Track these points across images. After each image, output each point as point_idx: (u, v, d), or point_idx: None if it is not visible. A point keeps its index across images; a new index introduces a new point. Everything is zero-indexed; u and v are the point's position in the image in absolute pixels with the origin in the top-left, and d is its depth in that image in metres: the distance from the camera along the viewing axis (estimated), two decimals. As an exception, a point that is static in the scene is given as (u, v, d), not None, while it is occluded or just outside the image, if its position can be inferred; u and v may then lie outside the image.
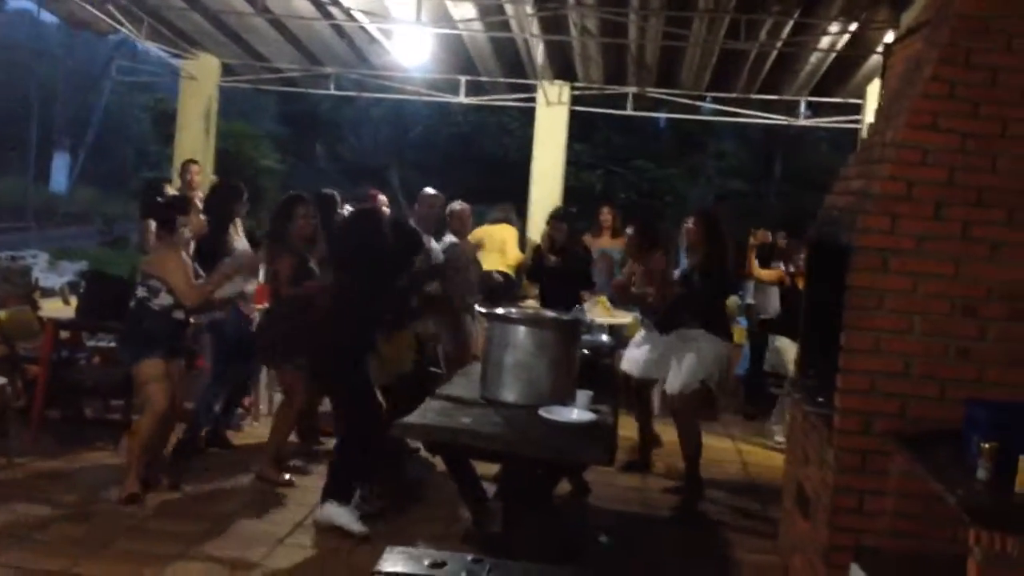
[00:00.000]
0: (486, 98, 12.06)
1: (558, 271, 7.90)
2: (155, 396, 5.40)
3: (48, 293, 8.65)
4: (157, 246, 5.63)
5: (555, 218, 8.19)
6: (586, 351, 5.27)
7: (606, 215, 9.78)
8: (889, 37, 7.72)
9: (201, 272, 5.67)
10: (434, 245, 7.02)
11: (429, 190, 7.29)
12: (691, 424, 6.32)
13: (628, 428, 7.21)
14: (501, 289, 8.46)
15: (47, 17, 28.31)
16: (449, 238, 7.63)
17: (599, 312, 8.19)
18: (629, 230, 7.14)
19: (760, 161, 25.07)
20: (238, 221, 6.82)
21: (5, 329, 6.99)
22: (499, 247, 9.35)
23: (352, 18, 8.99)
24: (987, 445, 3.28)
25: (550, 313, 5.09)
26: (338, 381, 5.38)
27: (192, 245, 5.71)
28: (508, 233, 9.51)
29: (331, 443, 6.33)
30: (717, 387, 6.42)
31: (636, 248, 6.92)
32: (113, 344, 7.24)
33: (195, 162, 8.66)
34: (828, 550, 4.19)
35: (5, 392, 6.08)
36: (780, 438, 7.76)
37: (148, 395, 5.43)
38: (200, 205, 5.93)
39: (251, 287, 6.70)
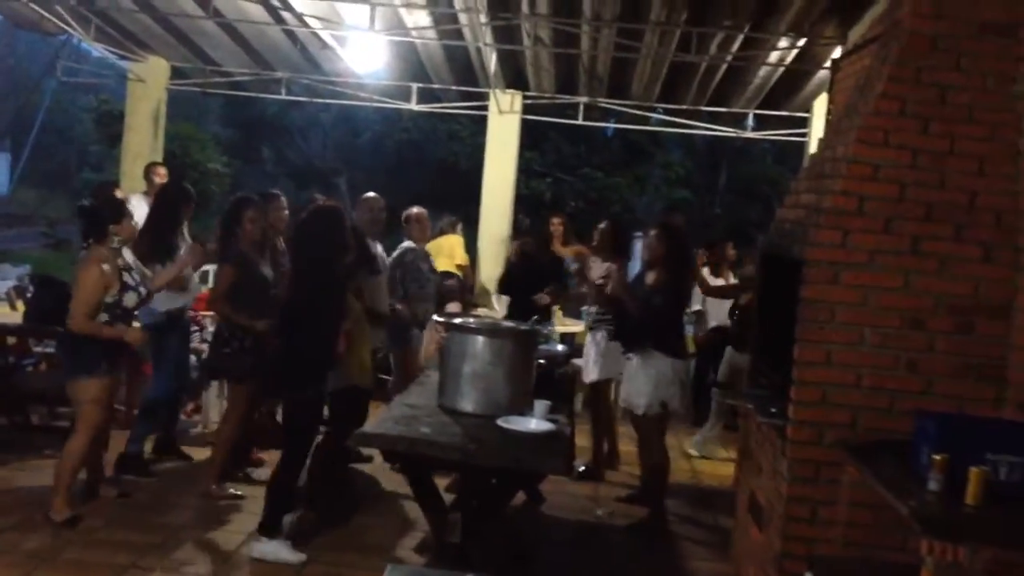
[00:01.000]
0: (438, 106, 12.06)
1: (528, 279, 7.81)
2: (91, 416, 5.18)
3: (-8, 298, 8.47)
4: (84, 254, 5.25)
5: (521, 233, 8.10)
6: (542, 360, 5.30)
7: (556, 224, 9.81)
8: (837, 53, 7.88)
9: (132, 283, 5.33)
10: (379, 251, 6.87)
11: (370, 194, 7.06)
12: (656, 448, 6.15)
13: (583, 437, 7.29)
14: (457, 289, 8.45)
15: (-12, 14, 27.73)
16: (406, 244, 7.54)
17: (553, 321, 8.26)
18: (602, 226, 7.14)
19: (706, 171, 25.39)
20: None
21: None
22: (448, 253, 9.52)
23: (305, 24, 8.94)
24: (938, 457, 3.35)
25: (507, 323, 5.10)
26: (294, 396, 5.14)
27: (124, 254, 5.43)
28: (455, 240, 9.81)
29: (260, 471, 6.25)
30: (681, 405, 6.25)
31: (606, 245, 6.95)
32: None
33: (161, 164, 8.56)
34: (781, 559, 4.25)
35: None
36: (694, 451, 7.91)
37: (82, 415, 5.20)
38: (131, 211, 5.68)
39: (189, 300, 6.53)
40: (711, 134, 12.86)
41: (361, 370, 5.84)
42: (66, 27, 9.33)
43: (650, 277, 6.16)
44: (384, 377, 7.97)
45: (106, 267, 5.16)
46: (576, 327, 8.27)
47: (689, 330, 9.94)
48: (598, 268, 6.84)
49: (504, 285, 8.30)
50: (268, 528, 4.97)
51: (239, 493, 5.89)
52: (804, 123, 10.92)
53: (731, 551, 5.57)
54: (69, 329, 5.14)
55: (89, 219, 5.34)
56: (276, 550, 4.93)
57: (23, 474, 5.98)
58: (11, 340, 7.08)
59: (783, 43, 8.59)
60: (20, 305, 7.34)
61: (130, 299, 5.32)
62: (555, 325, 7.65)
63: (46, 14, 9.02)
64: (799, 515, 4.24)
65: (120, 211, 5.40)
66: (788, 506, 4.26)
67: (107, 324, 5.19)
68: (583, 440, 7.25)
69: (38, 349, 7.49)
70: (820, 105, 9.67)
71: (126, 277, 5.32)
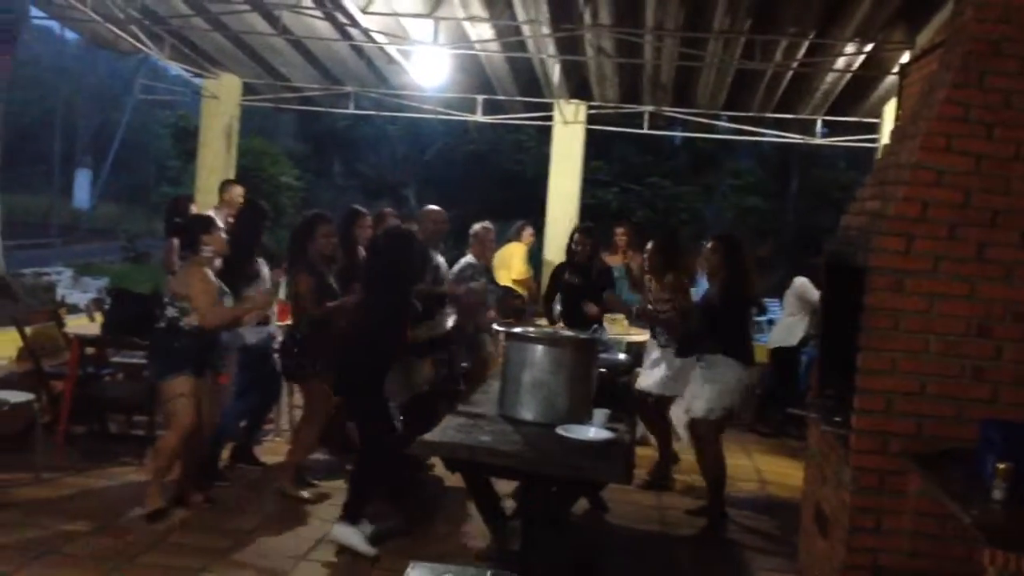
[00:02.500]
0: (503, 117, 12.12)
1: (576, 287, 7.87)
2: (181, 412, 5.44)
3: (73, 309, 8.77)
4: (183, 264, 5.68)
5: (580, 232, 8.08)
6: (603, 369, 5.32)
7: (621, 235, 9.81)
8: (905, 58, 7.77)
9: (227, 289, 5.73)
10: (440, 260, 6.99)
11: (432, 206, 7.22)
12: (714, 451, 6.23)
13: (652, 446, 7.28)
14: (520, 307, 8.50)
15: (69, 34, 28.74)
16: (467, 259, 7.64)
17: (617, 330, 8.23)
18: (649, 246, 7.15)
19: (776, 178, 25.10)
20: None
21: (32, 345, 7.09)
22: (506, 264, 9.50)
23: (371, 39, 9.08)
24: (1002, 465, 3.31)
25: (567, 332, 5.13)
26: (361, 397, 5.43)
27: (217, 263, 5.76)
28: (515, 250, 9.78)
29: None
30: (740, 409, 6.29)
31: (655, 265, 6.96)
32: (137, 360, 7.35)
33: (235, 182, 8.79)
34: (846, 569, 4.22)
35: (32, 408, 6.18)
36: None
37: (174, 411, 5.47)
38: (222, 224, 5.96)
39: (273, 306, 6.77)
40: (778, 141, 12.72)
41: (417, 380, 6.01)
42: (142, 46, 9.60)
43: (711, 288, 6.31)
44: (457, 388, 8.06)
45: (207, 271, 5.55)
46: (643, 336, 8.24)
47: (762, 339, 9.93)
48: (656, 292, 6.86)
49: (552, 290, 8.28)
50: (350, 514, 5.27)
51: (311, 496, 6.08)
52: (875, 129, 10.77)
53: (797, 561, 5.52)
54: (164, 328, 5.47)
55: (182, 233, 5.83)
56: (351, 536, 5.19)
57: (101, 481, 6.17)
58: (90, 350, 7.31)
59: (850, 49, 8.49)
60: (98, 316, 7.58)
61: (228, 302, 5.68)
62: (608, 332, 7.60)
63: (122, 34, 9.30)
64: (863, 525, 4.20)
65: (209, 223, 5.74)
66: (852, 516, 4.22)
67: (202, 329, 5.51)
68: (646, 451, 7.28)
69: (116, 359, 7.72)
70: (890, 111, 9.52)
71: (221, 284, 5.69)
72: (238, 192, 8.41)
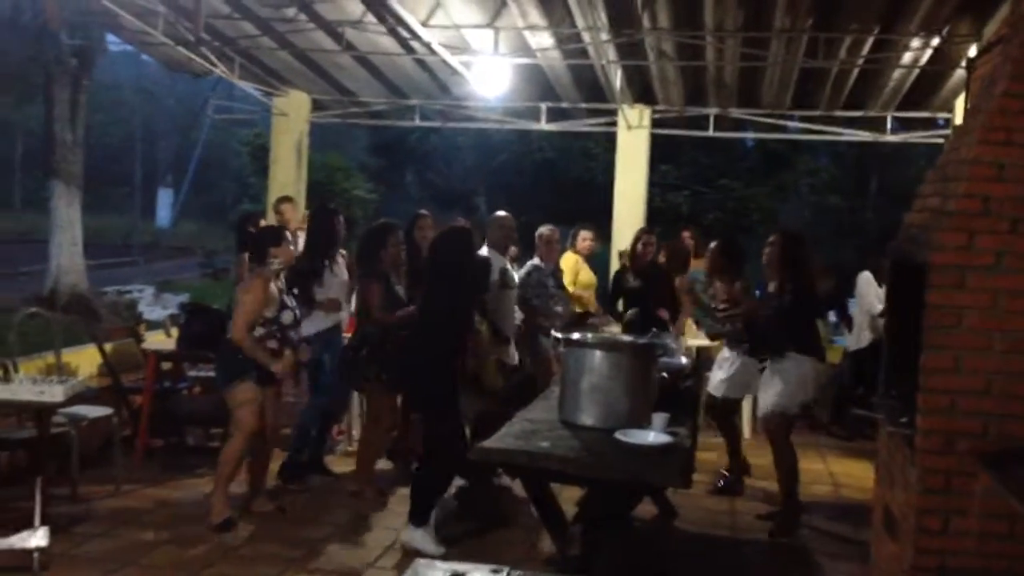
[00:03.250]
0: (567, 124, 12.14)
1: (638, 291, 7.94)
2: (244, 419, 5.58)
3: (153, 325, 9.01)
4: (248, 276, 5.83)
5: (645, 233, 8.27)
6: (665, 374, 5.32)
7: (686, 239, 9.78)
8: (973, 51, 7.61)
9: (290, 304, 5.79)
10: (507, 264, 7.09)
11: (501, 212, 7.36)
12: (785, 447, 6.23)
13: (716, 450, 7.23)
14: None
15: (148, 58, 29.51)
16: (533, 262, 7.73)
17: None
18: (712, 246, 7.14)
19: (855, 177, 24.70)
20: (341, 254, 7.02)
21: (110, 361, 7.32)
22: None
23: (433, 52, 9.19)
24: (1066, 464, 3.23)
25: (626, 337, 5.14)
26: (429, 395, 5.52)
27: (282, 276, 5.86)
28: (565, 263, 8.99)
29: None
30: (817, 405, 6.29)
31: (717, 266, 6.95)
32: (212, 374, 7.54)
33: (288, 199, 8.93)
34: (913, 571, 4.14)
35: (111, 422, 6.39)
36: None
37: (238, 418, 5.62)
38: (290, 237, 6.09)
39: (344, 316, 6.91)
40: (849, 139, 12.49)
41: (490, 389, 6.09)
42: (212, 67, 9.85)
43: (773, 285, 6.31)
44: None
45: (271, 286, 5.64)
46: (707, 340, 8.19)
47: (839, 341, 9.79)
48: (719, 292, 6.85)
49: (615, 292, 8.41)
50: (415, 517, 5.40)
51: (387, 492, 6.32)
52: (949, 124, 10.53)
53: (870, 565, 5.44)
54: (230, 338, 5.57)
55: (251, 244, 5.95)
56: (420, 539, 5.33)
57: (177, 493, 6.35)
58: (166, 365, 7.52)
59: (916, 43, 8.33)
60: (175, 332, 7.80)
61: (287, 317, 5.75)
62: (672, 337, 7.60)
63: (194, 56, 9.55)
64: (930, 526, 4.11)
65: (280, 236, 5.86)
66: (919, 517, 4.14)
67: (262, 339, 5.60)
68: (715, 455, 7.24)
69: (192, 373, 7.93)
70: (960, 105, 9.30)
71: (285, 297, 5.77)
72: (290, 209, 8.58)
